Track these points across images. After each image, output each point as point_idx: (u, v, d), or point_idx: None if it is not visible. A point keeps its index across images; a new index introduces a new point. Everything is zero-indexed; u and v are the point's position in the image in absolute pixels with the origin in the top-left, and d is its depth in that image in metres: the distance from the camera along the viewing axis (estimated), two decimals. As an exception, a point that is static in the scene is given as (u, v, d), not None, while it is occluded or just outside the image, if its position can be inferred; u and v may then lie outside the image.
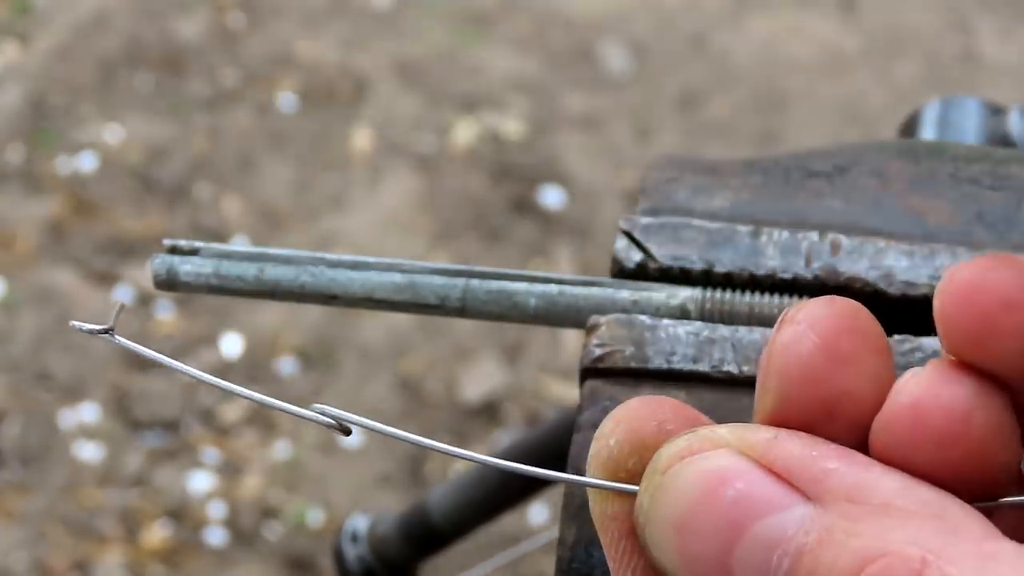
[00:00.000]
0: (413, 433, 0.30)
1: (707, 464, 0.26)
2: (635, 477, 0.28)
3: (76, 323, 0.34)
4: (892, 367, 0.27)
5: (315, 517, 1.68)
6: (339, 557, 1.18)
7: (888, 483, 0.25)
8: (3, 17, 2.31)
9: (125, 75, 2.21)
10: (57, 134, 2.11)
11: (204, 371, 0.34)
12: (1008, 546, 0.24)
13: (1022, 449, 0.26)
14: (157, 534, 1.65)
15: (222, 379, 0.33)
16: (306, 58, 2.25)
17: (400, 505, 1.36)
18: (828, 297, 0.27)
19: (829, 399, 0.27)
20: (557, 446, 0.92)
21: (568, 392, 1.80)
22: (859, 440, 0.27)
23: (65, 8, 2.31)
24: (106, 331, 0.34)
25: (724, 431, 0.27)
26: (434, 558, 1.15)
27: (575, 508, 0.38)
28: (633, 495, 0.28)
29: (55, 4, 2.33)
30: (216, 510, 1.68)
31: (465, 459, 0.31)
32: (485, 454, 0.32)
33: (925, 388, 0.26)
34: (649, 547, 0.27)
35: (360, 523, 1.19)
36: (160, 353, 0.36)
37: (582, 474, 0.29)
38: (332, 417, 0.30)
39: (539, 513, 1.68)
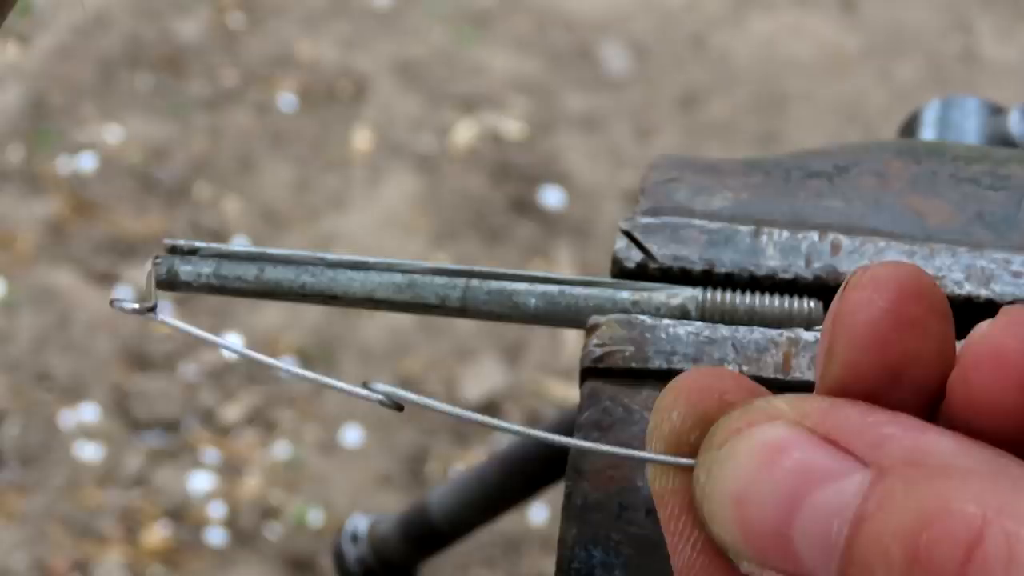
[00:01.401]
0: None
1: (763, 436, 0.26)
2: (696, 450, 0.28)
3: (118, 301, 0.34)
4: (954, 331, 0.27)
5: (315, 517, 1.68)
6: (339, 557, 1.18)
7: (945, 444, 0.25)
8: (3, 17, 2.31)
9: (125, 75, 2.21)
10: (57, 134, 2.11)
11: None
12: None
13: None
14: (157, 534, 1.65)
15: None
16: (306, 58, 2.25)
17: (400, 505, 1.36)
18: (891, 261, 0.27)
19: (896, 364, 0.27)
20: (557, 446, 0.92)
21: (568, 392, 1.80)
22: (926, 405, 0.27)
23: (65, 8, 2.31)
24: (149, 308, 0.35)
25: (779, 402, 0.27)
26: (434, 558, 1.15)
27: (575, 508, 0.38)
28: (691, 469, 0.28)
29: (55, 4, 2.33)
30: (216, 510, 1.68)
31: (517, 434, 0.31)
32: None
33: (1003, 332, 0.26)
34: (707, 522, 0.27)
35: (360, 523, 1.19)
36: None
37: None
38: (384, 394, 0.31)
39: (539, 513, 1.68)
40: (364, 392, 0.31)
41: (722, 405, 0.28)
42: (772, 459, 0.26)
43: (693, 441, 0.28)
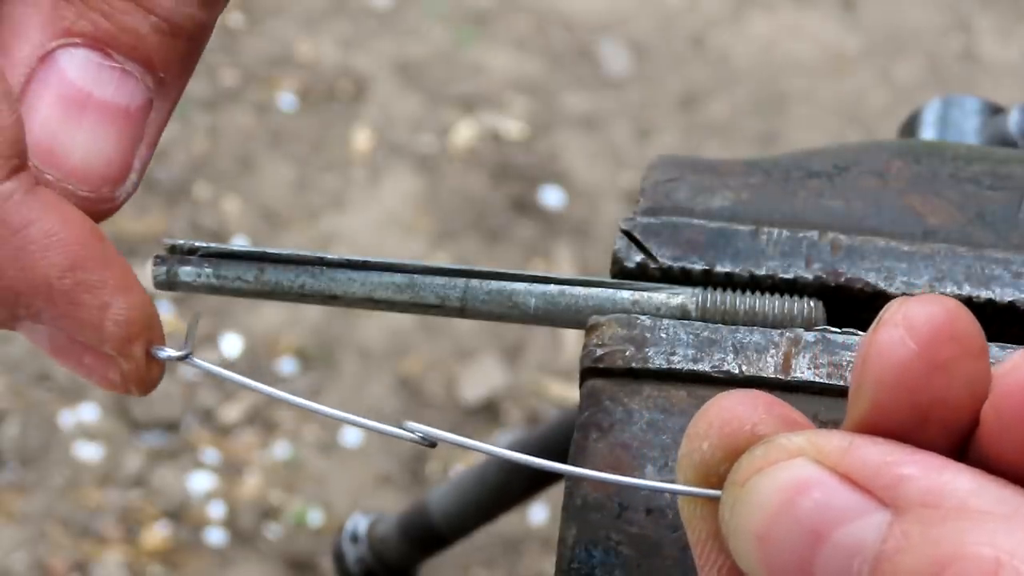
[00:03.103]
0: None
1: (784, 475, 0.27)
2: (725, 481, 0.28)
3: (156, 350, 0.35)
4: (989, 369, 0.27)
5: (315, 517, 1.68)
6: (339, 557, 1.18)
7: (963, 484, 0.26)
8: (3, 17, 2.31)
9: (125, 75, 2.21)
10: (57, 134, 2.11)
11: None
12: None
13: None
14: (157, 534, 1.65)
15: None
16: (306, 58, 2.25)
17: (400, 505, 1.36)
18: (928, 296, 0.27)
19: (925, 406, 0.27)
20: (558, 447, 0.92)
21: (568, 392, 1.80)
22: (954, 444, 0.27)
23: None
24: (184, 356, 0.36)
25: (799, 439, 0.27)
26: (434, 558, 1.15)
27: (575, 508, 0.38)
28: (718, 500, 0.28)
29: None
30: (216, 510, 1.68)
31: (546, 469, 0.32)
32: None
33: None
34: (733, 554, 0.28)
35: (360, 523, 1.19)
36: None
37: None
38: (419, 433, 0.31)
39: (539, 513, 1.68)
40: (399, 432, 0.32)
41: (753, 436, 0.28)
42: (793, 498, 0.26)
43: (722, 472, 0.28)
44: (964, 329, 0.27)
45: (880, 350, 0.27)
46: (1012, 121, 0.65)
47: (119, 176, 0.34)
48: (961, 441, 0.27)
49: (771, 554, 0.27)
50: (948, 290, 0.42)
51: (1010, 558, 0.24)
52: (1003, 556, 0.24)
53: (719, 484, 0.28)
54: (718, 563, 0.29)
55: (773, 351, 0.40)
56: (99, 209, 0.34)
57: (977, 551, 0.24)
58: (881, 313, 0.28)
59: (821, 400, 0.39)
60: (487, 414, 1.79)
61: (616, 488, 0.38)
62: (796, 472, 0.27)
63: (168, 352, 0.36)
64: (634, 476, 0.38)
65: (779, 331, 0.41)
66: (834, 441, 0.27)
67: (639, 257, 0.44)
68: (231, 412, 1.77)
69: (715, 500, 0.28)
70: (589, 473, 0.32)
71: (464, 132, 2.15)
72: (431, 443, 0.31)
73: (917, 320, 0.27)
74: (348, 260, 0.42)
